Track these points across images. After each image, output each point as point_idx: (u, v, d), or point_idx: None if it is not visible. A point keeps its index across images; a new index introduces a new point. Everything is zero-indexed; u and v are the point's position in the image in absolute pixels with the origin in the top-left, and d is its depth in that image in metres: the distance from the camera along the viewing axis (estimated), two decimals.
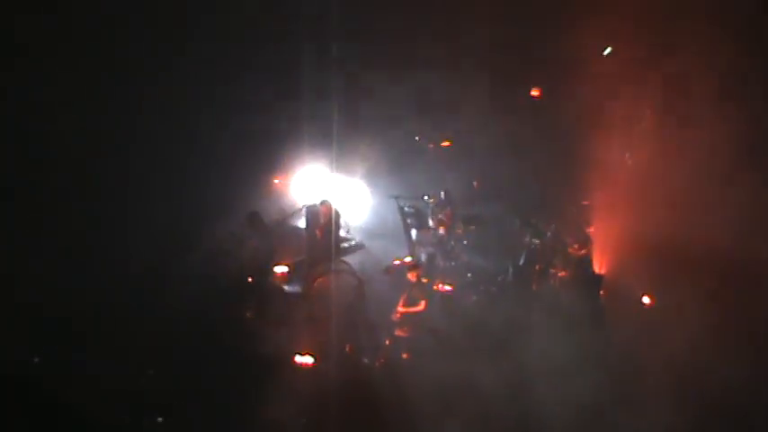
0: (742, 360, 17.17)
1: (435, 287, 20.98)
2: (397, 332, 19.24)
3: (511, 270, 21.63)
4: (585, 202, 21.59)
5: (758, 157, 20.29)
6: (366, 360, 18.61)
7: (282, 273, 20.19)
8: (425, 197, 22.73)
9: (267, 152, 21.82)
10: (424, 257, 21.45)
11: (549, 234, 21.88)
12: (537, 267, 21.50)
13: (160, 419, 16.17)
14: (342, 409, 16.89)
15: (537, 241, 21.90)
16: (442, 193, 22.80)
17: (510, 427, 16.48)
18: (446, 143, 24.16)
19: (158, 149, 20.47)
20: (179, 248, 20.21)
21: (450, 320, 19.91)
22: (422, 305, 19.36)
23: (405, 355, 18.65)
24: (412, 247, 21.97)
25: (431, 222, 22.57)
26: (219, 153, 20.93)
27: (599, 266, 21.12)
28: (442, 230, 22.60)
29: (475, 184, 23.53)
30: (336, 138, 21.46)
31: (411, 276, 19.65)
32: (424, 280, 20.44)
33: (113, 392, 16.83)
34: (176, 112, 21.20)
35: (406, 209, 22.69)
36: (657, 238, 19.96)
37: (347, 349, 18.61)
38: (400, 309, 19.46)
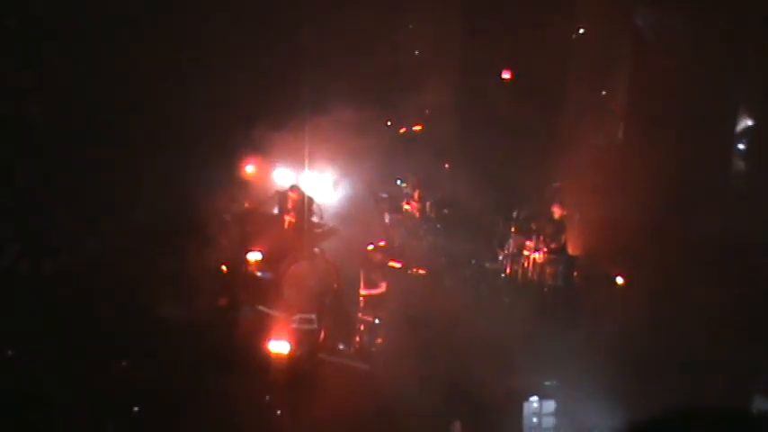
0: (699, 338, 17.68)
1: (410, 271, 21.18)
2: (362, 315, 19.62)
3: (485, 253, 22.13)
4: (557, 184, 21.98)
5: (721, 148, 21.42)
6: (341, 346, 18.69)
7: (256, 260, 20.34)
8: (398, 181, 23.07)
9: (238, 139, 21.70)
10: (397, 242, 21.35)
11: (521, 217, 22.27)
12: (511, 250, 21.95)
13: (136, 408, 16.21)
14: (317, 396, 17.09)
15: (511, 224, 22.26)
16: (409, 176, 23.24)
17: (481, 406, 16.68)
18: (418, 127, 24.09)
19: (128, 134, 20.53)
20: (151, 236, 20.34)
21: (425, 304, 19.59)
22: (382, 287, 19.89)
23: (379, 340, 18.84)
24: (386, 231, 21.68)
25: (405, 207, 22.62)
26: (189, 139, 20.98)
27: (572, 247, 21.83)
28: (416, 214, 22.65)
29: (447, 166, 23.47)
30: (308, 124, 21.30)
31: (376, 257, 20.31)
32: (397, 264, 21.05)
33: (89, 384, 17.17)
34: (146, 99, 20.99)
35: (380, 193, 22.68)
36: (630, 220, 20.10)
37: (322, 335, 18.65)
38: (362, 292, 19.96)
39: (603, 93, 23.71)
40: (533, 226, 21.95)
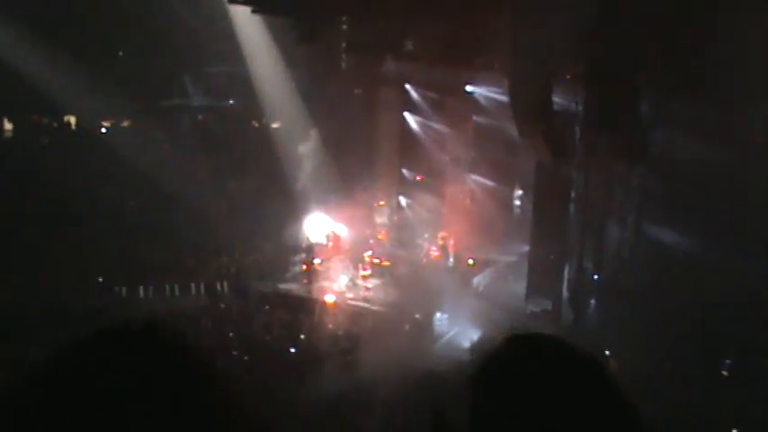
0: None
1: (382, 263, 25.91)
2: (363, 284, 24.91)
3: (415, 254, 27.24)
4: (443, 231, 26.63)
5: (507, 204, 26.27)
6: (352, 295, 24.34)
7: (318, 262, 25.76)
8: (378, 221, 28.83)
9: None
10: (377, 250, 26.80)
11: (428, 237, 27.20)
12: (425, 252, 26.98)
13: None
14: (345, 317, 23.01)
15: (425, 241, 27.23)
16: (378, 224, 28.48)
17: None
18: (382, 203, 28.78)
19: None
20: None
21: (390, 276, 25.48)
22: (369, 271, 25.25)
23: (371, 294, 24.44)
24: (371, 246, 27.01)
25: (378, 236, 28.17)
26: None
27: (451, 249, 26.28)
28: (384, 240, 28.07)
29: (395, 218, 28.81)
30: (336, 206, 26.82)
31: (367, 257, 25.87)
32: (377, 260, 25.98)
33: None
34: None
35: (366, 230, 28.00)
36: (474, 238, 25.27)
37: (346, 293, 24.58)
38: (360, 273, 25.14)
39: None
40: (435, 241, 26.67)
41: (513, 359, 1.76)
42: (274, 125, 29.28)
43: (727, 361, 18.44)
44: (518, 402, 1.66)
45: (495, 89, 23.77)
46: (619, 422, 1.67)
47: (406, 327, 21.94)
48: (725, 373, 18.41)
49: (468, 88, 25.68)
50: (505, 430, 1.66)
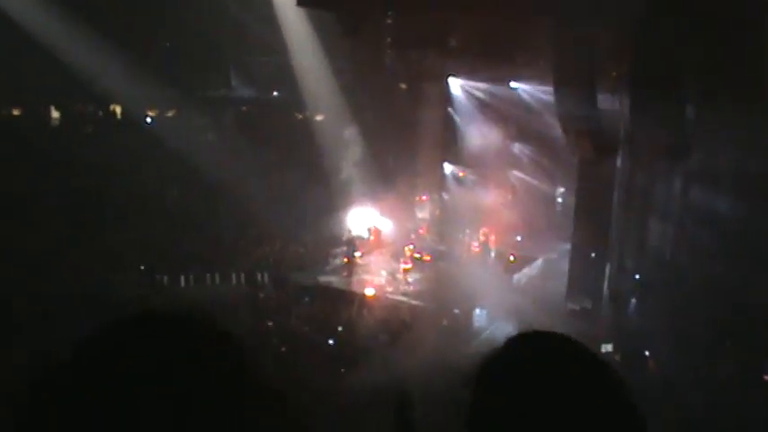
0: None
1: (424, 257, 26.21)
2: (403, 277, 24.88)
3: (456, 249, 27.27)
4: (485, 227, 26.83)
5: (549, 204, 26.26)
6: (392, 289, 24.25)
7: (359, 255, 26.00)
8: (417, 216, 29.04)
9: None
10: (417, 245, 26.91)
11: (468, 231, 27.30)
12: (466, 247, 27.14)
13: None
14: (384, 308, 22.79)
15: (466, 237, 27.21)
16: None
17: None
18: (425, 197, 29.10)
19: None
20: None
21: (431, 270, 25.37)
22: (410, 264, 25.44)
23: (411, 288, 24.44)
24: (412, 240, 27.11)
25: (419, 231, 28.55)
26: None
27: (492, 244, 26.77)
28: (425, 234, 28.40)
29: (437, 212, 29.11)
30: (376, 201, 26.87)
31: (408, 251, 26.05)
32: (417, 254, 26.23)
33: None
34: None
35: (407, 225, 28.30)
36: (512, 237, 26.05)
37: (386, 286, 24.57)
38: (401, 267, 25.23)
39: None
40: (476, 237, 26.95)
41: (512, 359, 1.76)
42: (317, 117, 29.46)
43: None
44: (514, 402, 1.65)
45: (539, 86, 23.88)
46: (619, 424, 1.64)
47: (445, 322, 21.78)
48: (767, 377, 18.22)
49: (513, 84, 25.66)
50: (501, 430, 1.67)
